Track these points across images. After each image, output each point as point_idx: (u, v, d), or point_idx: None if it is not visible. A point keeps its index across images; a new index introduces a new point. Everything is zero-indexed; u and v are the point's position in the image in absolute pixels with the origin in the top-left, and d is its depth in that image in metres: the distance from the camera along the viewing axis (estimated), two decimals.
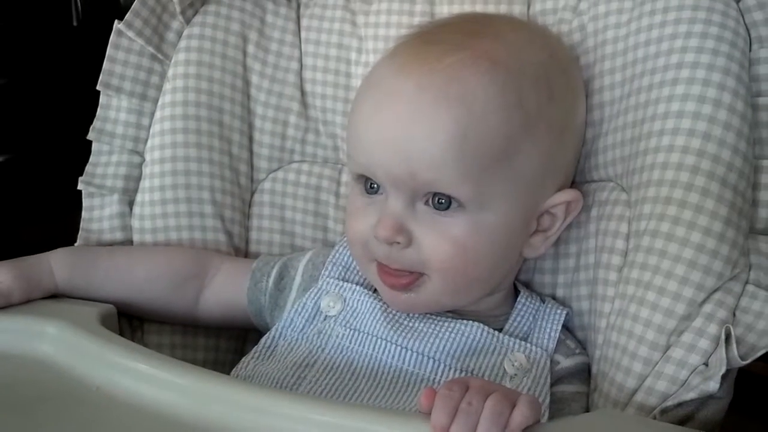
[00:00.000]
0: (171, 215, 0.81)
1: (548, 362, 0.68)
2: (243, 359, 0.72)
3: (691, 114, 0.67)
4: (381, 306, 0.70)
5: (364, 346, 0.69)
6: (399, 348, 0.68)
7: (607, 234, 0.71)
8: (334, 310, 0.72)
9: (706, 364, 0.62)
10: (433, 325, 0.69)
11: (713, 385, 0.60)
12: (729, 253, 0.64)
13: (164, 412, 0.59)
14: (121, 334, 0.75)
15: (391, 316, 0.70)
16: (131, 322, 0.79)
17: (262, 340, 0.72)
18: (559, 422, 0.55)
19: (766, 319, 0.63)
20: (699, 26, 0.68)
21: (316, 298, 0.73)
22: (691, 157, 0.66)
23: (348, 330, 0.70)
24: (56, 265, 0.74)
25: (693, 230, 0.64)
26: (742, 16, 0.68)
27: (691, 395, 0.61)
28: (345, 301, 0.72)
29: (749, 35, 0.68)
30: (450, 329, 0.69)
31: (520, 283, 0.76)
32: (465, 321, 0.69)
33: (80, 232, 0.81)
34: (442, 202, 0.65)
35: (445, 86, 0.64)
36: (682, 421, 0.62)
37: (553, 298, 0.76)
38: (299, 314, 0.72)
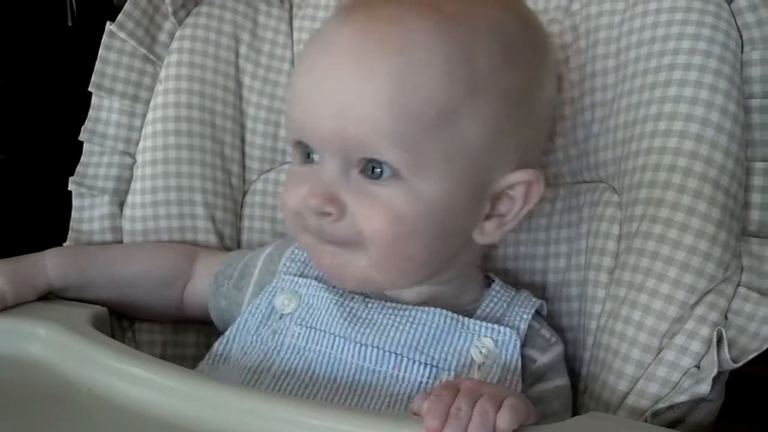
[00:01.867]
0: (162, 217, 0.81)
1: (518, 344, 0.64)
2: (199, 364, 0.69)
3: (683, 116, 0.67)
4: (336, 299, 0.66)
5: (321, 345, 0.65)
6: (357, 345, 0.64)
7: (598, 235, 0.71)
8: (289, 307, 0.68)
9: (698, 367, 0.62)
10: (392, 316, 0.65)
11: (705, 388, 0.60)
12: (721, 255, 0.64)
13: (154, 414, 0.59)
14: (113, 332, 0.75)
15: (347, 309, 0.66)
16: (121, 321, 0.79)
17: (215, 344, 0.69)
18: (547, 427, 0.55)
19: (758, 322, 0.63)
20: (691, 28, 0.68)
21: (270, 297, 0.69)
22: (684, 158, 0.66)
23: (304, 329, 0.66)
24: (50, 264, 0.74)
25: (685, 232, 0.64)
26: (734, 18, 0.68)
27: (683, 398, 0.61)
28: (300, 297, 0.68)
29: (741, 37, 0.68)
30: (410, 319, 0.64)
31: (494, 275, 0.73)
32: (425, 308, 0.65)
33: (70, 233, 0.80)
34: (377, 170, 0.60)
35: (383, 34, 0.59)
36: (673, 424, 0.62)
37: (544, 299, 0.74)
38: (253, 315, 0.69)
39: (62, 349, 0.65)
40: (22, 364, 0.65)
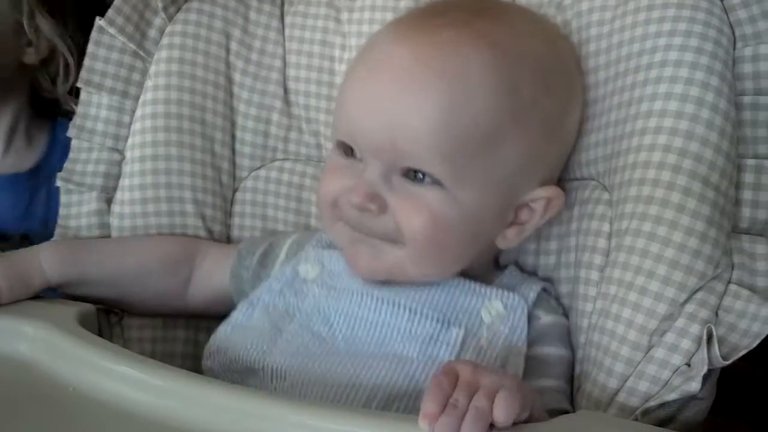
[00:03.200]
0: (151, 214, 0.80)
1: (525, 309, 0.68)
2: (220, 326, 0.72)
3: (673, 113, 0.66)
4: (361, 267, 0.69)
5: (340, 302, 0.68)
6: (374, 299, 0.68)
7: (588, 233, 0.71)
8: (312, 273, 0.72)
9: (688, 365, 0.62)
10: (411, 282, 0.69)
11: (695, 386, 0.60)
12: (711, 252, 0.64)
13: (141, 413, 0.58)
14: (101, 330, 0.75)
15: (370, 276, 0.69)
16: (109, 317, 0.78)
17: (240, 305, 0.72)
18: (539, 425, 0.55)
19: (748, 319, 0.63)
20: (683, 24, 0.68)
21: (295, 265, 0.73)
22: (673, 156, 0.65)
23: (324, 289, 0.70)
24: (46, 259, 0.74)
25: (675, 230, 0.64)
26: (727, 15, 0.68)
27: (673, 396, 0.61)
28: (323, 265, 0.72)
29: (734, 34, 0.68)
30: (426, 282, 0.69)
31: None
32: None
33: (57, 228, 0.80)
34: (419, 176, 0.65)
35: (441, 59, 0.64)
36: (663, 422, 0.61)
37: None
38: (277, 279, 0.72)
39: (48, 348, 0.64)
40: (8, 362, 0.64)
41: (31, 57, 1.06)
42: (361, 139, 0.66)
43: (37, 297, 0.73)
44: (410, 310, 0.67)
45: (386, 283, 0.69)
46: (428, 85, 0.63)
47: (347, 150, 0.68)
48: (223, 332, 0.71)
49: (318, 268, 0.72)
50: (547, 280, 0.75)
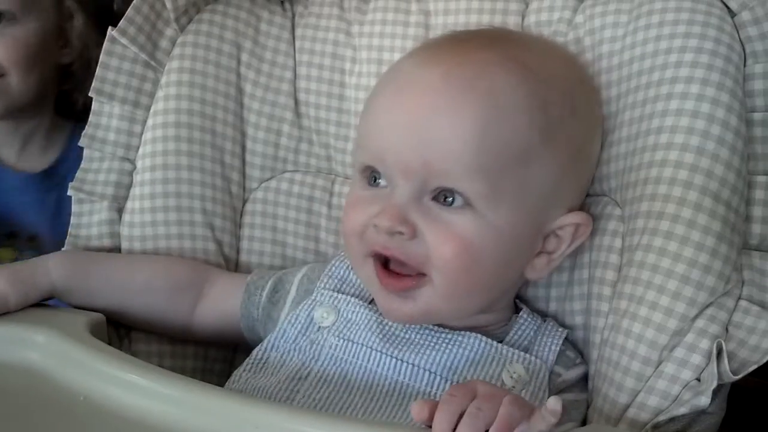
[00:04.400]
0: (160, 223, 0.80)
1: (547, 375, 0.67)
2: (235, 372, 0.71)
3: (684, 129, 0.67)
4: (376, 317, 0.69)
5: (357, 358, 0.67)
6: (394, 360, 0.66)
7: (601, 249, 0.71)
8: (327, 321, 0.70)
9: (698, 380, 0.62)
10: (429, 337, 0.68)
11: (705, 401, 0.60)
12: (722, 268, 0.64)
13: (152, 422, 0.58)
14: (110, 340, 0.74)
15: (386, 328, 0.68)
16: (118, 330, 0.78)
17: (254, 351, 0.72)
18: None
19: (758, 335, 0.63)
20: (694, 41, 0.68)
21: (309, 309, 0.72)
22: (684, 171, 0.66)
23: (342, 341, 0.68)
24: (54, 267, 0.74)
25: (685, 245, 0.64)
26: (737, 31, 0.69)
27: (683, 410, 0.61)
28: (339, 311, 0.71)
29: (744, 50, 0.68)
30: (447, 341, 0.67)
31: (520, 302, 0.75)
32: (463, 332, 0.67)
33: (68, 237, 0.80)
34: (449, 198, 0.64)
35: (473, 78, 0.64)
36: None
37: (546, 314, 0.75)
38: (292, 325, 0.71)
39: (59, 356, 0.64)
40: (19, 371, 0.65)
41: (66, 58, 1.07)
42: (391, 160, 0.64)
43: (46, 305, 0.73)
44: (430, 372, 0.65)
45: (406, 341, 0.67)
46: (460, 102, 0.63)
47: (371, 177, 0.67)
48: (238, 379, 0.70)
49: (334, 314, 0.70)
50: (559, 300, 0.74)
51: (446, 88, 0.63)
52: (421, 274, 0.65)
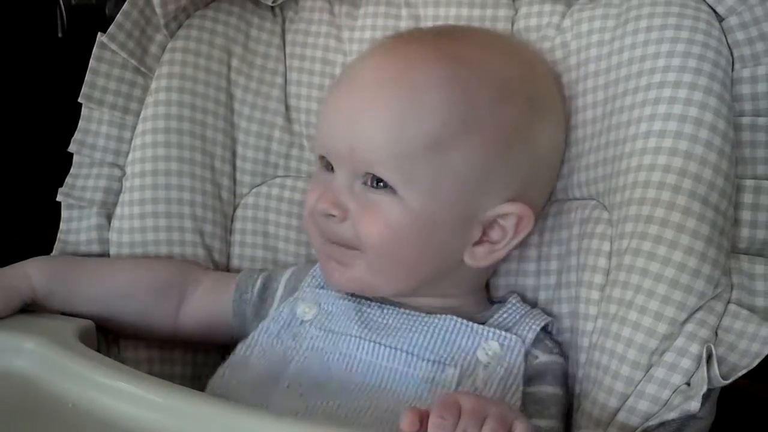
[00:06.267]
0: (150, 229, 0.80)
1: (522, 350, 0.68)
2: (219, 369, 0.72)
3: (672, 133, 0.67)
4: (355, 307, 0.71)
5: (337, 345, 0.69)
6: (372, 344, 0.68)
7: (589, 252, 0.71)
8: (309, 315, 0.72)
9: (688, 384, 0.62)
10: (407, 321, 0.70)
11: (695, 405, 0.60)
12: (711, 272, 0.64)
13: (140, 429, 0.58)
14: (99, 347, 0.74)
15: (365, 315, 0.71)
16: (107, 336, 0.78)
17: (238, 347, 0.72)
18: None
19: (748, 339, 0.63)
20: (681, 46, 0.68)
21: (292, 305, 0.73)
22: (673, 176, 0.66)
23: (322, 332, 0.70)
24: (33, 272, 0.74)
25: (675, 249, 0.64)
26: (725, 36, 0.69)
27: (673, 415, 0.61)
28: (320, 306, 0.72)
29: (732, 55, 0.69)
30: (424, 323, 0.69)
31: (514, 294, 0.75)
32: (440, 315, 0.69)
33: (57, 243, 0.80)
34: (379, 183, 0.67)
35: (398, 71, 0.68)
36: None
37: None
38: (275, 321, 0.73)
39: (48, 363, 0.64)
40: (8, 378, 0.64)
41: None
42: (329, 149, 0.70)
43: (34, 312, 0.73)
44: (407, 353, 0.67)
45: (384, 326, 0.70)
46: (383, 94, 0.67)
47: (328, 164, 0.71)
48: (221, 376, 0.71)
49: (315, 308, 0.72)
50: (548, 303, 0.75)
51: (375, 81, 0.68)
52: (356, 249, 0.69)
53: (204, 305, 0.79)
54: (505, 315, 0.72)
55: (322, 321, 0.71)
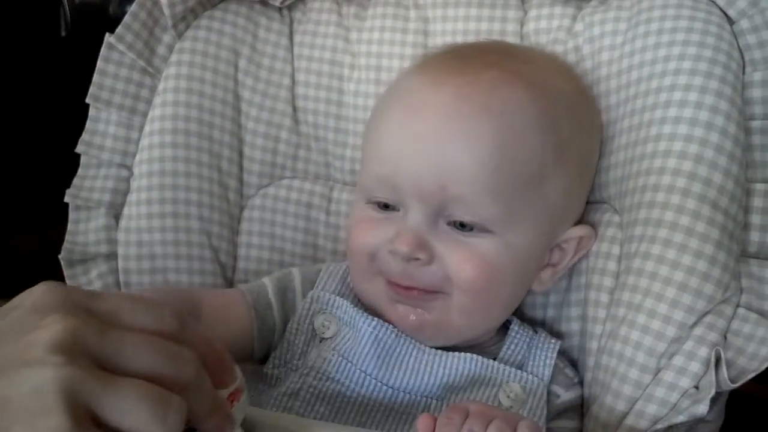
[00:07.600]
0: (157, 229, 0.80)
1: (545, 392, 0.66)
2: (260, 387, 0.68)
3: (683, 137, 0.67)
4: (371, 332, 0.67)
5: (352, 381, 0.65)
6: (389, 389, 0.65)
7: (599, 256, 0.71)
8: (329, 331, 0.68)
9: (696, 387, 0.62)
10: (425, 360, 0.66)
11: (703, 408, 0.60)
12: (720, 276, 0.64)
13: None
14: None
15: (382, 347, 0.66)
16: None
17: (267, 365, 0.69)
18: None
19: (756, 342, 0.63)
20: (692, 49, 0.68)
21: (310, 316, 0.69)
22: (683, 179, 0.66)
23: (338, 357, 0.66)
24: None
25: (684, 253, 0.64)
26: (736, 39, 0.69)
27: (681, 418, 0.61)
28: (339, 321, 0.69)
29: (743, 58, 0.69)
30: (442, 364, 0.66)
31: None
32: (458, 354, 0.66)
33: (65, 244, 0.79)
34: (466, 225, 0.64)
35: (485, 98, 0.64)
36: None
37: (543, 320, 0.75)
38: (295, 336, 0.69)
39: None
40: None
41: None
42: (407, 185, 0.64)
43: None
44: (426, 398, 0.65)
45: (401, 364, 0.66)
46: (475, 124, 0.63)
47: (381, 204, 0.67)
48: (262, 387, 0.67)
49: (335, 325, 0.68)
50: (542, 307, 0.74)
51: (459, 109, 0.63)
52: (437, 291, 0.65)
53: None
54: (513, 346, 0.69)
55: (339, 345, 0.67)
